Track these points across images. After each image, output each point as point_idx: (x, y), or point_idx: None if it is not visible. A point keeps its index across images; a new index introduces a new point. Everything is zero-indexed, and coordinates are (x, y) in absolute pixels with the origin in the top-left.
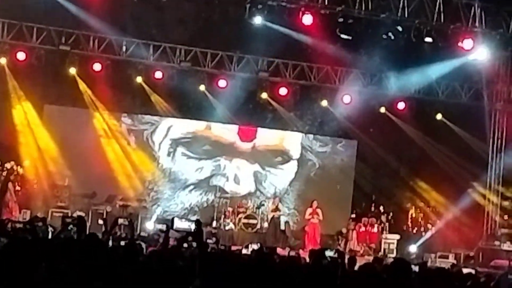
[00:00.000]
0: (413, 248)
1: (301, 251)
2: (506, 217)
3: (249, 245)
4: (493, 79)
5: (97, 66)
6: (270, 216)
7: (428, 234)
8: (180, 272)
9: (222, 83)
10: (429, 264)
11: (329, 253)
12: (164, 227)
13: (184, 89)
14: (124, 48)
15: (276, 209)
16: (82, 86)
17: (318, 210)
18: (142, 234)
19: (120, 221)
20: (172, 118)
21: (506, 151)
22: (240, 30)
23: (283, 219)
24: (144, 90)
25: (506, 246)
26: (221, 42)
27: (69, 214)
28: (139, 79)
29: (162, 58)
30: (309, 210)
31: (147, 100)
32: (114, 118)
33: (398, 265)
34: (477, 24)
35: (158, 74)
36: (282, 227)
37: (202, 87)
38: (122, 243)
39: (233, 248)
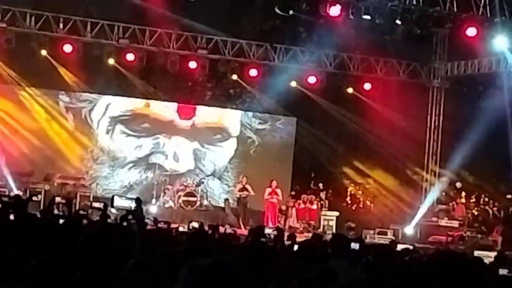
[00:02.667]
0: (352, 225)
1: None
2: (444, 193)
3: (190, 223)
4: (430, 56)
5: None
6: (237, 196)
7: (367, 210)
8: (119, 250)
9: (160, 60)
10: (367, 240)
11: (268, 230)
12: (102, 205)
13: (122, 67)
14: (61, 26)
15: (243, 188)
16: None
17: (278, 190)
18: (81, 212)
19: (58, 199)
20: (110, 96)
21: (443, 129)
22: (178, 7)
23: (229, 197)
24: (82, 67)
25: (443, 222)
26: (160, 20)
27: (6, 193)
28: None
29: (100, 35)
30: (268, 190)
31: (84, 77)
32: (52, 96)
33: (337, 241)
34: (414, 2)
35: (96, 52)
36: (249, 207)
37: (141, 65)
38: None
39: (173, 225)
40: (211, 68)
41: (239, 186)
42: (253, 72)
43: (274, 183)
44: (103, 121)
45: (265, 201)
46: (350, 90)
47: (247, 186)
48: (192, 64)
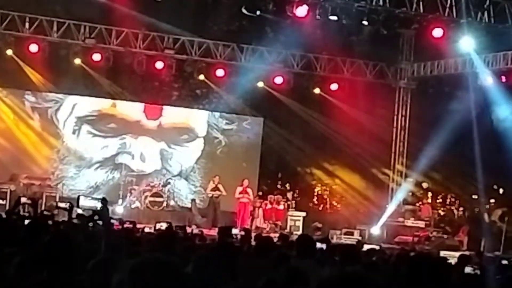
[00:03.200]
0: (319, 225)
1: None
2: (410, 193)
3: (157, 224)
4: (397, 56)
5: None
6: (209, 196)
7: (334, 211)
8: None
9: (127, 60)
10: (334, 240)
11: (235, 231)
12: (68, 205)
13: (89, 67)
14: (27, 25)
15: (216, 188)
16: None
17: (249, 190)
18: (46, 213)
19: (23, 200)
20: (76, 96)
21: (409, 129)
22: (144, 7)
23: (195, 197)
24: (48, 67)
25: (410, 222)
26: (126, 20)
27: None
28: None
29: (67, 35)
30: (239, 189)
31: (51, 77)
32: (18, 96)
33: (302, 241)
34: (381, 2)
35: (63, 52)
36: (223, 208)
37: (108, 65)
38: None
39: (139, 226)
40: (178, 68)
41: (211, 185)
42: (220, 72)
43: (245, 182)
44: (69, 121)
45: (236, 200)
46: (317, 90)
47: (219, 186)
48: (159, 64)
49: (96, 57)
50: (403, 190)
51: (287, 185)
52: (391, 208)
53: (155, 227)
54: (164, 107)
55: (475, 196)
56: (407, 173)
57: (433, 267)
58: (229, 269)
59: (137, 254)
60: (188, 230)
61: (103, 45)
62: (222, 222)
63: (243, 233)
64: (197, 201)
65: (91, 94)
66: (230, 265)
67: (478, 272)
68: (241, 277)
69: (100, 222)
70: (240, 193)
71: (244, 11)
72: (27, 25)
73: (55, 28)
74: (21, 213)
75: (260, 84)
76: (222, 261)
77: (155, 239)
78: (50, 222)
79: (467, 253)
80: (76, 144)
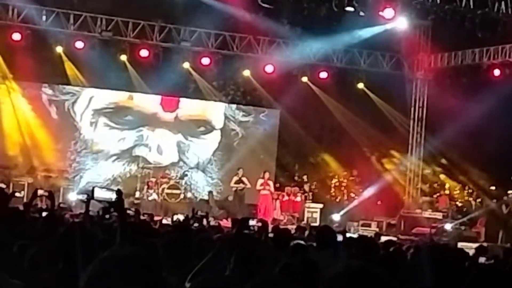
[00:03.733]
0: (336, 217)
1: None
2: (427, 185)
3: (174, 216)
4: (413, 48)
5: (16, 36)
6: (233, 189)
7: (351, 203)
8: (101, 243)
9: (144, 53)
10: (351, 232)
11: (252, 222)
12: (85, 197)
13: (105, 59)
14: (44, 18)
15: (240, 181)
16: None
17: (270, 182)
18: (63, 205)
19: (40, 192)
20: (93, 89)
21: (427, 120)
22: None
23: (212, 189)
24: (64, 61)
25: (427, 214)
26: (142, 12)
27: None
28: (59, 49)
29: (83, 28)
30: (260, 181)
31: (68, 70)
32: (35, 89)
33: (323, 233)
34: None
35: (79, 44)
36: (246, 200)
37: (123, 57)
38: (44, 214)
39: (156, 218)
40: (194, 61)
41: (235, 178)
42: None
43: (266, 175)
44: (86, 113)
45: (257, 192)
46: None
47: (243, 179)
48: (175, 57)
49: (113, 50)
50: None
51: (304, 177)
52: (408, 199)
53: (172, 218)
54: (181, 99)
55: (492, 188)
56: (423, 165)
57: (450, 258)
58: (246, 260)
59: (153, 245)
60: (205, 222)
61: (120, 37)
62: (247, 214)
63: (260, 224)
64: (214, 193)
65: (108, 86)
66: (247, 256)
67: (492, 262)
68: (258, 269)
69: (115, 214)
70: (261, 185)
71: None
72: (43, 17)
73: (71, 20)
74: (39, 205)
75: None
76: (239, 253)
77: (171, 231)
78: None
79: (484, 244)
80: (93, 137)
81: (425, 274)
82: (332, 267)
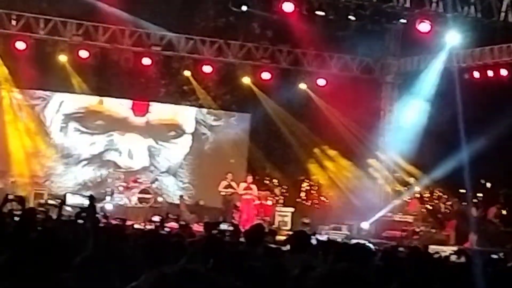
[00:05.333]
0: (307, 221)
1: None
2: (398, 188)
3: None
4: (383, 52)
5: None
6: (221, 193)
7: (321, 206)
8: (72, 248)
9: (115, 57)
10: (322, 236)
11: (223, 226)
12: (57, 202)
13: (75, 64)
14: (14, 22)
15: (229, 186)
16: None
17: (252, 186)
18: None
19: (10, 197)
20: (64, 93)
21: (398, 124)
22: (130, 4)
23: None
24: (35, 64)
25: (398, 217)
26: (112, 16)
27: None
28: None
29: (53, 32)
30: (243, 185)
31: (39, 75)
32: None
33: (297, 237)
34: None
35: (49, 49)
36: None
37: (95, 62)
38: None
39: (128, 223)
40: (165, 65)
41: (224, 183)
42: (207, 69)
43: (249, 178)
44: (56, 118)
45: (240, 197)
46: (303, 86)
47: (233, 183)
48: (146, 61)
49: (83, 54)
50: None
51: (275, 181)
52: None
53: (150, 221)
54: (152, 103)
55: (462, 190)
56: (395, 168)
57: (421, 261)
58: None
59: (123, 251)
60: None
61: (90, 42)
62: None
63: (231, 228)
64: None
65: (78, 91)
66: (219, 260)
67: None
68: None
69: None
70: (244, 189)
71: (231, 7)
72: (13, 22)
73: (42, 25)
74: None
75: (246, 80)
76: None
77: (142, 236)
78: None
79: (455, 248)
80: (63, 141)
81: (398, 277)
82: (316, 269)
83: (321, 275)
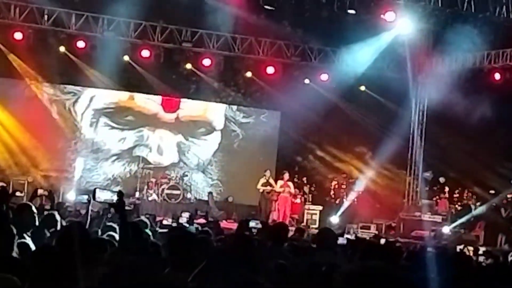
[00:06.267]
0: (335, 219)
1: None
2: (427, 188)
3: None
4: (415, 51)
5: (18, 35)
6: (260, 191)
7: (350, 204)
8: (100, 243)
9: (145, 53)
10: (351, 235)
11: (253, 224)
12: (85, 198)
13: (107, 59)
14: (46, 17)
15: (267, 183)
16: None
17: (289, 183)
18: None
19: (40, 191)
20: (94, 88)
21: (427, 124)
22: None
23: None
24: (67, 60)
25: (427, 217)
26: (143, 12)
27: None
28: (62, 49)
29: (85, 28)
30: (280, 183)
31: (70, 69)
32: (35, 88)
33: (323, 235)
34: None
35: (81, 44)
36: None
37: (126, 57)
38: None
39: (157, 219)
40: (195, 62)
41: (262, 180)
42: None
43: (286, 176)
44: (87, 113)
45: (277, 194)
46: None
47: (270, 181)
48: (177, 58)
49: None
50: (420, 184)
51: (304, 179)
52: (408, 202)
53: (174, 219)
54: (182, 100)
55: (492, 191)
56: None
57: (450, 260)
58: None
59: (154, 246)
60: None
61: (121, 37)
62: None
63: (260, 226)
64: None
65: (109, 87)
66: (247, 257)
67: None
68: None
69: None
70: (281, 186)
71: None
72: (45, 17)
73: (73, 20)
74: (38, 204)
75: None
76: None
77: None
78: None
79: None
80: (93, 137)
81: (426, 276)
82: (345, 266)
83: (350, 272)
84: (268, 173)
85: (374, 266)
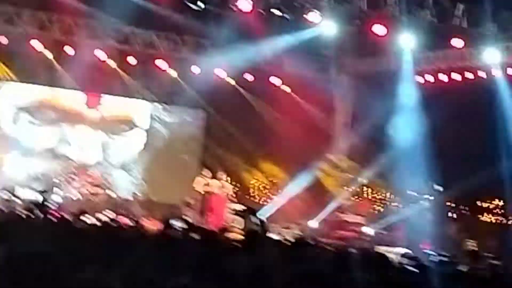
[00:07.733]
0: (255, 220)
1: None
2: (347, 189)
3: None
4: (339, 52)
5: None
6: (201, 192)
7: (272, 206)
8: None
9: (69, 50)
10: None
11: (177, 223)
12: (7, 195)
13: (29, 55)
14: None
15: (223, 185)
16: None
17: (227, 184)
18: None
19: None
20: (16, 84)
21: (352, 126)
22: None
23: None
24: None
25: (349, 218)
26: (69, 9)
27: None
28: None
29: (7, 23)
30: (218, 183)
31: None
32: None
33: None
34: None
35: (3, 39)
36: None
37: (49, 54)
38: None
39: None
40: (121, 59)
41: (202, 180)
42: (161, 64)
43: (224, 176)
44: (7, 109)
45: (215, 196)
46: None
47: (211, 182)
48: (101, 54)
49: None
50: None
51: (228, 179)
52: (331, 203)
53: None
54: (105, 96)
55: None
56: (345, 168)
57: (373, 262)
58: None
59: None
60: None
61: (43, 32)
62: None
63: (185, 226)
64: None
65: (31, 81)
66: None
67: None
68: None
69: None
70: (219, 188)
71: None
72: None
73: None
74: None
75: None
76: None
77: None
78: None
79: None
80: (15, 133)
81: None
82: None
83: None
84: (206, 173)
85: (308, 270)
